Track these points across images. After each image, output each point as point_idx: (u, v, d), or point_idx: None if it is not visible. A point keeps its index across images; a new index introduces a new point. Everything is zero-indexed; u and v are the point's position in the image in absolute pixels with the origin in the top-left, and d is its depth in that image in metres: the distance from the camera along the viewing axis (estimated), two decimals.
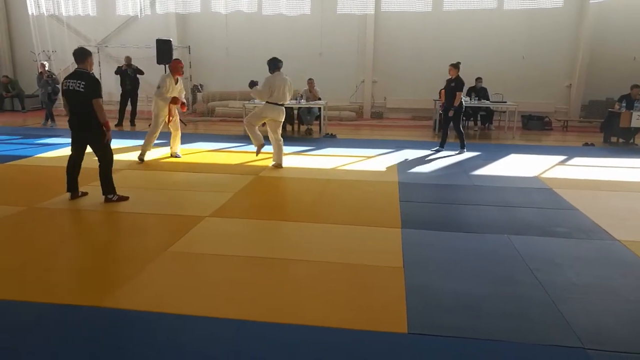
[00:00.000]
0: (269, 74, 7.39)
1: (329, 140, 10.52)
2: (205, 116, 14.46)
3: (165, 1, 14.78)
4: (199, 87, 15.48)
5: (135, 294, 3.43)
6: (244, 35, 14.84)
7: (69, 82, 5.27)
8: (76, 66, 5.35)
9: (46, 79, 12.00)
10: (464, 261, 4.04)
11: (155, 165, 7.70)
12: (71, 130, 5.51)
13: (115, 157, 5.71)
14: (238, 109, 13.31)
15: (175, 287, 3.57)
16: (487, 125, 12.56)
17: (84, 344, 2.80)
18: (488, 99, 12.09)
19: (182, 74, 7.97)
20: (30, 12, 15.24)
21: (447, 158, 8.51)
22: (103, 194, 5.55)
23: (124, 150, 8.56)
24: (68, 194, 5.64)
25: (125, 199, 5.59)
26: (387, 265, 3.93)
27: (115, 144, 6.94)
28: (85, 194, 5.75)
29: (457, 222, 5.12)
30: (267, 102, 7.38)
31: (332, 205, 5.68)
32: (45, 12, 15.26)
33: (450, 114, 8.91)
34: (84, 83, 5.21)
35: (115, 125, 11.88)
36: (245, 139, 10.49)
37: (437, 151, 9.03)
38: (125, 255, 4.20)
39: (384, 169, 7.59)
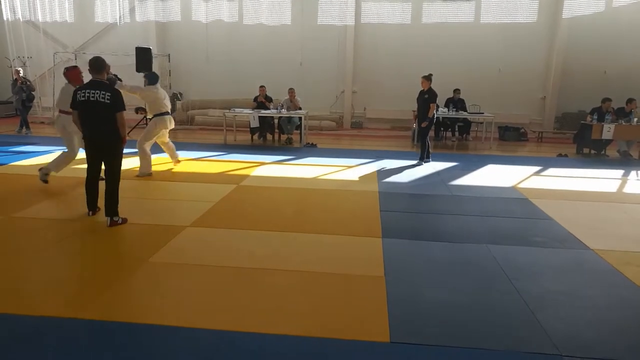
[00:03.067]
0: (149, 86, 7.47)
1: (310, 149, 10.57)
2: (184, 124, 14.37)
3: (145, 9, 14.71)
4: (179, 95, 15.38)
5: (115, 305, 3.39)
6: (224, 44, 14.85)
7: (89, 92, 4.87)
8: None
9: (20, 85, 11.78)
10: (444, 270, 4.10)
11: (134, 174, 7.60)
12: (88, 144, 5.09)
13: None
14: (218, 117, 13.28)
15: (157, 297, 3.54)
16: (464, 135, 12.79)
17: (63, 356, 2.76)
18: (465, 110, 12.33)
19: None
20: (5, 17, 14.99)
21: (425, 168, 8.62)
22: (107, 215, 5.04)
23: None
24: (87, 211, 5.32)
25: (126, 220, 5.16)
26: (368, 274, 3.96)
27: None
28: (99, 209, 5.38)
29: (436, 231, 5.20)
30: (156, 114, 7.48)
31: (313, 214, 5.70)
32: (21, 18, 15.01)
33: (424, 125, 8.93)
34: (109, 94, 4.88)
35: None
36: (226, 148, 10.48)
37: (419, 165, 8.87)
38: (106, 265, 4.14)
39: (364, 179, 7.66)
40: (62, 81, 6.57)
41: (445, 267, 4.17)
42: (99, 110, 4.88)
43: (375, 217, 5.55)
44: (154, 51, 13.54)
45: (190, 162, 8.81)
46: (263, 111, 11.18)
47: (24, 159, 8.59)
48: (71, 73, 6.80)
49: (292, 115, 11.15)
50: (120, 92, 5.05)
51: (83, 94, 4.91)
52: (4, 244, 4.52)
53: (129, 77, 12.40)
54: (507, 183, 7.55)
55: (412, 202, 6.47)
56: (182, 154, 9.41)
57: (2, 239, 4.66)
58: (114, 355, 2.79)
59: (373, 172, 8.16)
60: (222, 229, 5.07)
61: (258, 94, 11.79)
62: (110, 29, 15.23)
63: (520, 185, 7.42)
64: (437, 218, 5.69)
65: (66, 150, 6.77)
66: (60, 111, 6.73)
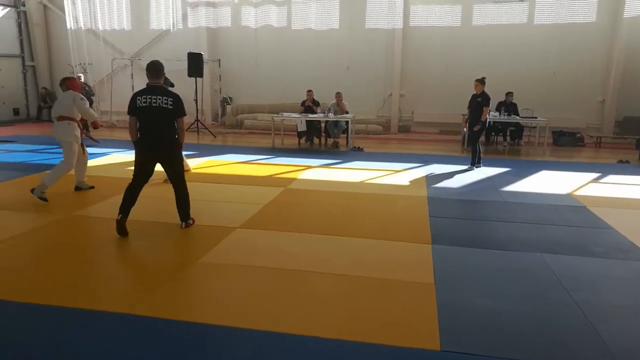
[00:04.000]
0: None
1: (356, 153, 10.54)
2: (234, 128, 14.67)
3: (197, 16, 15.16)
4: (228, 99, 15.74)
5: (165, 302, 3.49)
6: (273, 49, 15.06)
7: (149, 98, 4.71)
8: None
9: (81, 90, 12.36)
10: (497, 279, 3.98)
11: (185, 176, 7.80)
12: (143, 150, 4.92)
13: None
14: (266, 122, 13.48)
15: (204, 297, 3.64)
16: (516, 140, 12.39)
17: (111, 351, 2.86)
18: (518, 114, 11.94)
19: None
20: (68, 26, 15.84)
21: (476, 174, 8.41)
22: (182, 220, 5.14)
23: None
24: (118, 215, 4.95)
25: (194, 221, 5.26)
26: (418, 280, 3.90)
27: None
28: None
29: (488, 239, 5.05)
30: None
31: (360, 218, 5.67)
32: (83, 27, 15.82)
33: (476, 129, 8.77)
34: (171, 100, 4.75)
35: None
36: (274, 151, 10.61)
37: (470, 170, 8.72)
38: (158, 264, 4.28)
39: (412, 184, 7.55)
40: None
41: (497, 276, 4.04)
42: (162, 116, 4.78)
43: (424, 223, 5.46)
44: (205, 56, 13.93)
45: (240, 165, 8.98)
46: (310, 115, 11.26)
47: None
48: (70, 83, 6.85)
49: (339, 119, 11.17)
50: (180, 98, 4.90)
51: (145, 100, 4.73)
52: (66, 241, 4.76)
53: (183, 82, 12.91)
54: (562, 190, 7.24)
55: (463, 208, 6.32)
56: (231, 157, 9.63)
57: (64, 237, 4.91)
58: (158, 350, 2.87)
59: (422, 177, 8.04)
60: (270, 231, 5.13)
61: (305, 98, 11.89)
62: (164, 35, 15.78)
63: (577, 193, 7.10)
64: (489, 225, 5.52)
65: (62, 160, 6.46)
66: (60, 118, 6.63)
